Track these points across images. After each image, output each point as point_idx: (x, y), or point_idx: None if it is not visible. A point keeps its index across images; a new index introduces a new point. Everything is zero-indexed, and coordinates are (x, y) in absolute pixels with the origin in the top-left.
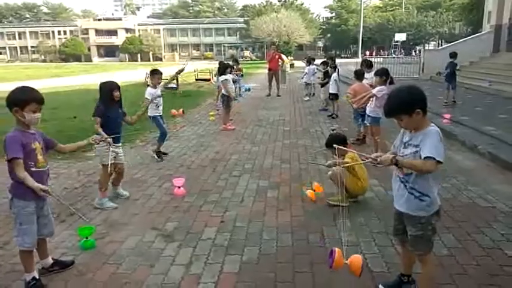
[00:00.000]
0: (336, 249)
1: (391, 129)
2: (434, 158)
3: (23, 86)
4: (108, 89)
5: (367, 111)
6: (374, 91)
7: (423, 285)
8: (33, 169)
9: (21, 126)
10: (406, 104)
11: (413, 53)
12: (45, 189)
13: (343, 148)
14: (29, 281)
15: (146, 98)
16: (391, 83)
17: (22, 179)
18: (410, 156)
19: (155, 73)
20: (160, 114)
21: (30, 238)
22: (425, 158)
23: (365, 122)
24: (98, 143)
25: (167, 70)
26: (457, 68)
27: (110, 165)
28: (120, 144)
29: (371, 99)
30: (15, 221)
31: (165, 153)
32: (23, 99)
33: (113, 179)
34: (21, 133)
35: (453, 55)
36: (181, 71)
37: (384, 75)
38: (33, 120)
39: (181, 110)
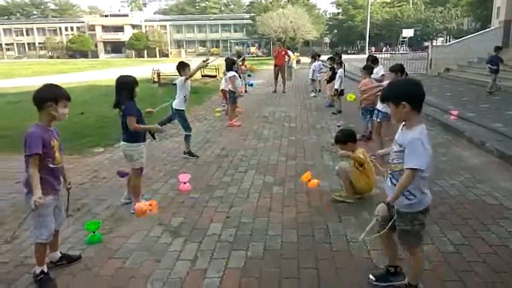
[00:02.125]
0: None
1: (397, 126)
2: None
3: (52, 84)
4: (134, 84)
5: (379, 107)
6: (384, 84)
7: (411, 277)
8: (51, 165)
9: (44, 122)
10: (394, 94)
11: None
12: (39, 202)
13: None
14: (38, 273)
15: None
16: None
17: (31, 175)
18: (395, 156)
19: (186, 65)
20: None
21: (48, 231)
22: (406, 168)
23: (374, 118)
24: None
25: (173, 66)
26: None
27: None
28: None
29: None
30: (32, 215)
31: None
32: (58, 94)
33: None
34: (41, 129)
35: (497, 49)
36: (206, 62)
37: (398, 71)
38: (62, 116)
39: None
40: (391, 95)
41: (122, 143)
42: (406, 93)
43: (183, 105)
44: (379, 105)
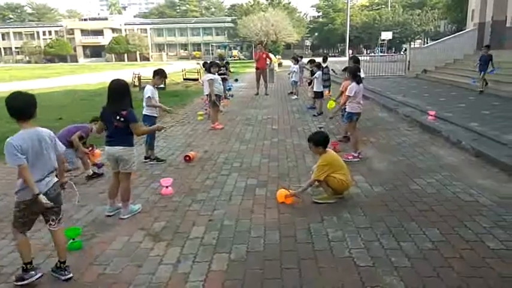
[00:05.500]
0: None
1: (377, 127)
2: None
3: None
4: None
5: (347, 109)
6: (346, 93)
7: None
8: None
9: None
10: None
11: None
12: None
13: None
14: None
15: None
16: (359, 82)
17: None
18: None
19: (161, 75)
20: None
21: None
22: None
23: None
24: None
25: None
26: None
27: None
28: None
29: (349, 99)
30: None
31: (148, 158)
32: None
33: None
34: None
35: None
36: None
37: (350, 72)
38: None
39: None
40: None
41: (119, 147)
42: None
43: (155, 112)
44: (348, 107)
